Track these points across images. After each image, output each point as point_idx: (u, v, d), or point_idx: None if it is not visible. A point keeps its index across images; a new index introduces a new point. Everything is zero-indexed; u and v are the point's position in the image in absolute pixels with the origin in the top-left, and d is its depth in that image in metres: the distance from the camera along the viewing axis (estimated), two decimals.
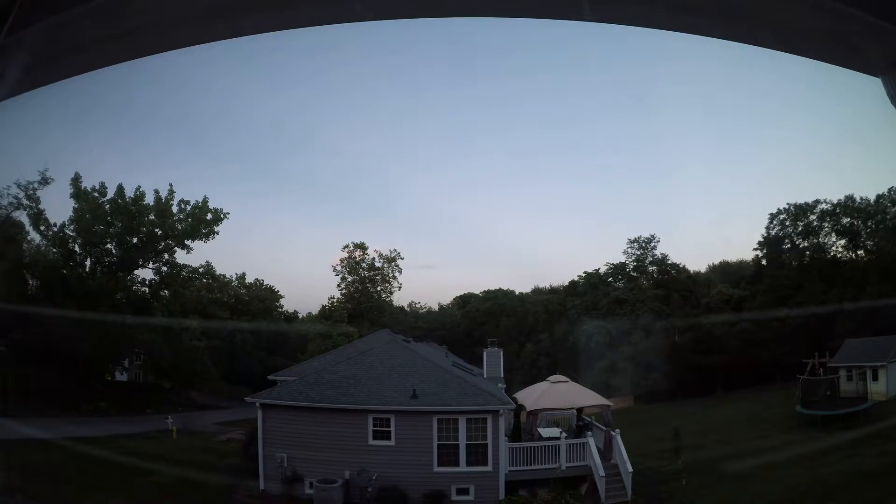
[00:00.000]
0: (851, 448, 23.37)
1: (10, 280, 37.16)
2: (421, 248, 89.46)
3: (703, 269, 67.78)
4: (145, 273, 44.38)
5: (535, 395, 25.12)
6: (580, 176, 78.14)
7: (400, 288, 63.15)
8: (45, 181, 39.03)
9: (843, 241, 56.03)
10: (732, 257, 68.57)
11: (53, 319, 34.01)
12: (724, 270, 66.70)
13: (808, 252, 56.26)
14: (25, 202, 39.18)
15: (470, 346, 54.87)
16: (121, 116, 63.78)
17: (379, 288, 62.13)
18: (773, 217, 57.27)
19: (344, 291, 60.18)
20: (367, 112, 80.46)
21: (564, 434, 22.37)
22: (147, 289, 44.65)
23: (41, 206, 39.77)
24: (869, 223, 54.12)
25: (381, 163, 79.72)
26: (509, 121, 77.72)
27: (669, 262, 62.40)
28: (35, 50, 2.36)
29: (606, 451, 21.58)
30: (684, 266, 62.93)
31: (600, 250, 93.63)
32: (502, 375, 30.57)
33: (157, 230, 42.67)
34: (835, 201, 54.95)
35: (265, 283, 62.53)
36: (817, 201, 55.52)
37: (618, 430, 21.98)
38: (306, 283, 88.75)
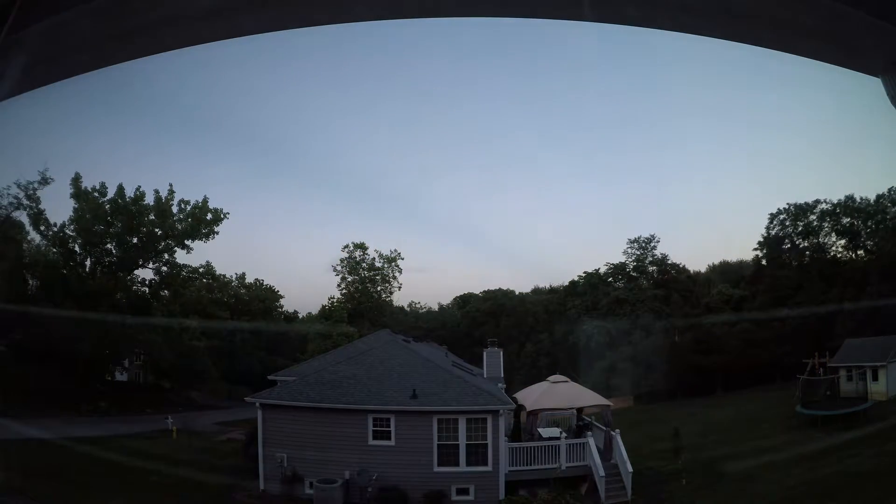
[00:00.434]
0: (851, 448, 23.36)
1: (10, 280, 37.17)
2: (421, 249, 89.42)
3: (703, 269, 67.87)
4: (145, 273, 44.47)
5: (535, 395, 25.13)
6: (580, 175, 78.17)
7: (400, 288, 63.24)
8: (45, 181, 39.07)
9: (843, 241, 56.07)
10: (732, 257, 68.67)
11: (53, 319, 34.01)
12: (724, 270, 66.74)
13: (808, 252, 56.28)
14: (25, 202, 39.22)
15: (470, 346, 54.85)
16: (121, 116, 63.71)
17: (379, 288, 62.17)
18: (773, 217, 57.35)
19: (344, 291, 60.24)
20: (367, 112, 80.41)
21: (564, 434, 22.38)
22: (147, 289, 44.68)
23: (41, 206, 39.83)
24: (869, 223, 54.13)
25: (382, 163, 79.75)
26: (509, 121, 77.74)
27: (669, 262, 62.51)
28: (35, 50, 2.36)
29: (606, 451, 21.59)
30: (684, 266, 63.05)
31: (600, 250, 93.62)
32: (502, 375, 30.59)
33: (157, 230, 42.68)
34: (835, 201, 55.05)
35: (265, 283, 62.60)
36: (817, 201, 55.61)
37: (618, 430, 21.99)
38: (306, 283, 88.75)
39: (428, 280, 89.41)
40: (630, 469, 20.12)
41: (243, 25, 2.73)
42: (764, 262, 59.02)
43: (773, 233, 57.65)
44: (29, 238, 41.37)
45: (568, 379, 27.09)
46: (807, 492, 19.26)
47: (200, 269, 47.35)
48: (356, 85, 76.80)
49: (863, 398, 31.83)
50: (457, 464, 19.98)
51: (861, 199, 53.90)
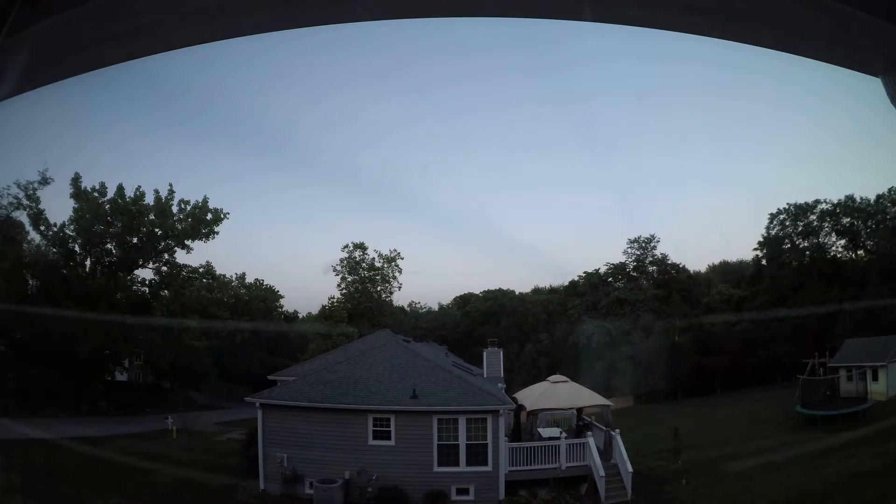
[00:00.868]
0: (851, 448, 23.37)
1: (10, 280, 37.17)
2: (421, 248, 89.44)
3: (703, 269, 67.89)
4: (145, 273, 44.55)
5: (535, 395, 25.13)
6: (580, 175, 78.24)
7: (400, 288, 63.21)
8: (45, 181, 39.11)
9: (843, 241, 56.09)
10: (732, 257, 68.76)
11: (53, 319, 34.01)
12: (724, 270, 66.79)
13: (808, 252, 56.28)
14: (25, 202, 39.25)
15: (470, 346, 54.86)
16: (121, 116, 63.84)
17: (379, 288, 62.12)
18: (773, 217, 57.36)
19: (344, 291, 60.20)
20: (367, 112, 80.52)
21: (564, 434, 22.37)
22: (147, 289, 44.72)
23: (41, 206, 39.89)
24: (869, 223, 54.14)
25: (382, 163, 79.79)
26: (509, 121, 77.79)
27: (669, 262, 62.53)
28: (35, 50, 2.36)
29: (606, 451, 21.59)
30: (684, 266, 63.06)
31: (601, 250, 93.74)
32: (502, 375, 30.57)
33: (157, 230, 42.71)
34: (835, 201, 55.09)
35: (265, 283, 62.66)
36: (817, 201, 55.64)
37: (618, 430, 21.98)
38: (306, 283, 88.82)
39: (428, 280, 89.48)
40: (630, 469, 20.11)
41: (243, 25, 2.73)
42: (764, 262, 59.03)
43: (773, 233, 57.66)
44: (29, 238, 41.45)
45: (568, 379, 27.09)
46: (807, 492, 19.26)
47: (200, 269, 47.43)
48: (357, 85, 76.89)
49: (863, 398, 31.85)
50: (457, 464, 19.97)
51: (861, 199, 54.00)
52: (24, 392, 30.79)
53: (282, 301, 63.92)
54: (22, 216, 39.85)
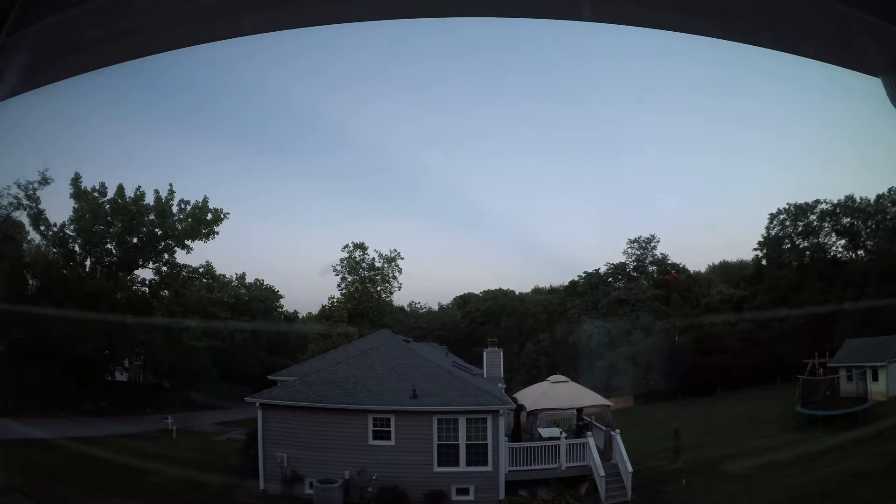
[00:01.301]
0: (851, 448, 23.38)
1: (10, 280, 37.15)
2: (420, 249, 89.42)
3: (703, 269, 67.87)
4: (145, 273, 44.48)
5: (535, 395, 25.12)
6: (580, 175, 78.22)
7: (400, 288, 63.24)
8: (45, 181, 39.06)
9: (843, 241, 56.07)
10: (732, 257, 68.65)
11: (53, 319, 34.01)
12: (724, 270, 66.71)
13: (808, 252, 56.27)
14: (25, 202, 39.20)
15: (470, 346, 54.86)
16: (121, 116, 63.81)
17: (379, 288, 62.14)
18: (773, 217, 57.34)
19: (344, 291, 60.22)
20: (367, 112, 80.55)
21: (564, 434, 22.37)
22: (147, 289, 44.67)
23: (41, 206, 39.83)
24: (869, 223, 54.13)
25: (381, 163, 79.78)
26: (509, 121, 77.80)
27: (669, 262, 62.50)
28: (35, 50, 2.36)
29: (606, 451, 21.58)
30: (684, 266, 63.05)
31: (600, 250, 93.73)
32: (502, 375, 30.56)
33: (157, 230, 42.69)
34: (835, 201, 55.06)
35: (265, 283, 62.63)
36: (817, 201, 55.61)
37: (618, 430, 21.97)
38: (306, 283, 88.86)
39: (428, 280, 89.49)
40: (630, 469, 20.11)
41: (243, 25, 2.73)
42: (764, 262, 59.01)
43: (773, 233, 57.65)
44: (29, 238, 41.42)
45: (568, 379, 27.08)
46: (807, 492, 19.27)
47: (200, 269, 47.35)
48: (357, 84, 76.91)
49: (863, 398, 31.85)
50: (457, 464, 19.97)
51: (861, 199, 53.97)
52: (24, 392, 30.76)
53: (282, 301, 63.99)
54: (22, 216, 39.87)
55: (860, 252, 55.73)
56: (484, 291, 72.96)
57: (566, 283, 69.02)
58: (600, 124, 77.40)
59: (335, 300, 58.10)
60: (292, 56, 66.52)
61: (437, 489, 19.45)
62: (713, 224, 76.09)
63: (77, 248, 41.81)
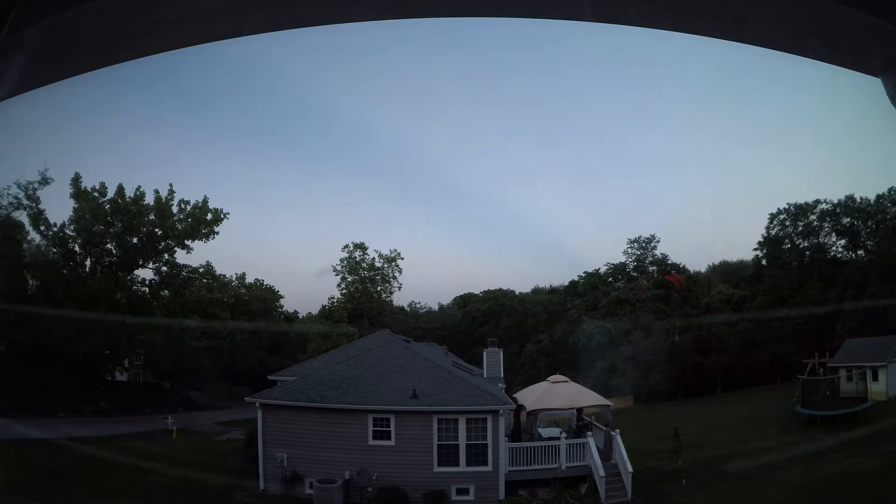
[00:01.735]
0: (851, 448, 23.37)
1: (10, 280, 37.17)
2: (420, 249, 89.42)
3: (703, 269, 67.85)
4: (145, 273, 44.51)
5: (535, 395, 25.13)
6: (580, 175, 78.13)
7: (400, 288, 63.24)
8: (45, 181, 39.10)
9: (843, 241, 56.09)
10: (732, 257, 68.63)
11: (53, 319, 34.01)
12: (724, 270, 66.71)
13: (808, 252, 56.28)
14: (25, 202, 39.23)
15: (470, 346, 54.87)
16: (121, 116, 63.71)
17: (379, 288, 62.15)
18: (773, 217, 57.34)
19: (344, 291, 60.22)
20: (367, 112, 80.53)
21: (564, 434, 22.37)
22: (147, 289, 44.70)
23: (41, 206, 39.86)
24: (869, 223, 54.14)
25: (381, 163, 79.72)
26: (509, 121, 77.80)
27: (669, 262, 62.49)
28: (35, 50, 2.36)
29: (606, 451, 21.58)
30: (684, 266, 63.03)
31: (600, 250, 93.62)
32: (502, 375, 30.57)
33: (157, 230, 42.71)
34: (835, 201, 55.05)
35: (265, 283, 62.64)
36: (817, 201, 55.61)
37: (618, 430, 21.97)
38: (306, 283, 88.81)
39: (428, 280, 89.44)
40: (630, 469, 20.11)
41: (243, 25, 2.73)
42: (764, 262, 59.01)
43: (773, 233, 57.66)
44: (29, 238, 41.42)
45: (568, 379, 27.10)
46: (807, 492, 19.27)
47: (200, 269, 47.39)
48: (357, 84, 76.84)
49: (863, 398, 31.81)
50: (457, 464, 19.97)
51: (861, 199, 53.96)
52: (24, 392, 30.77)
53: (282, 301, 64.00)
54: (22, 216, 39.88)
55: (860, 252, 55.76)
56: (484, 291, 72.95)
57: (566, 283, 69.03)
58: (600, 124, 77.35)
59: (335, 300, 58.16)
60: (294, 56, 66.45)
61: (437, 489, 19.46)
62: (713, 224, 76.07)
63: (77, 248, 41.85)
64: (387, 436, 20.20)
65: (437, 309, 77.74)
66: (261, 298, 60.19)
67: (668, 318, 54.38)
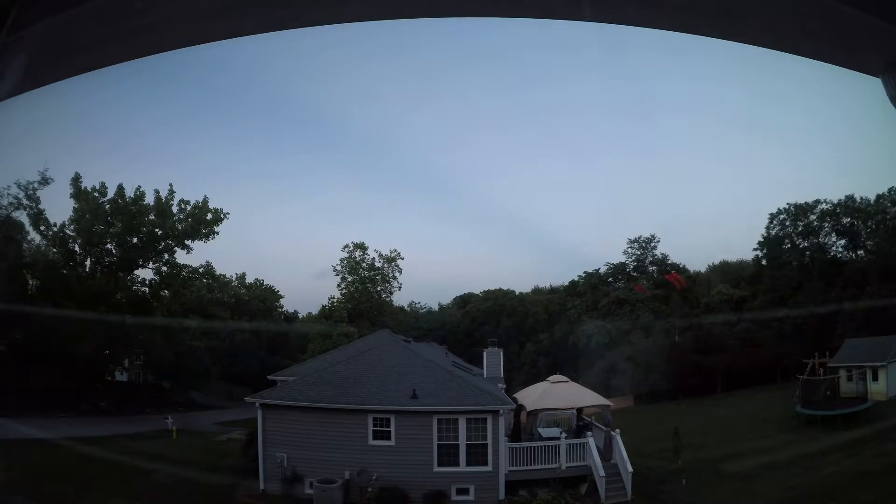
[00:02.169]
0: (851, 448, 23.36)
1: (10, 280, 37.15)
2: (419, 249, 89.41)
3: (703, 269, 67.85)
4: (145, 273, 44.50)
5: (535, 395, 25.12)
6: (581, 175, 78.20)
7: (400, 288, 63.24)
8: (45, 181, 39.07)
9: (843, 241, 56.03)
10: (732, 257, 68.61)
11: (53, 319, 34.00)
12: (724, 270, 66.69)
13: (808, 252, 56.23)
14: (25, 202, 39.22)
15: (470, 346, 54.83)
16: (121, 116, 63.80)
17: (379, 288, 62.13)
18: (773, 217, 57.29)
19: (344, 291, 60.20)
20: (367, 112, 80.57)
21: (564, 434, 22.37)
22: (147, 289, 44.68)
23: (41, 206, 39.85)
24: (869, 223, 54.09)
25: (381, 163, 79.80)
26: (509, 121, 77.80)
27: (669, 262, 62.46)
28: (35, 50, 2.36)
29: (606, 451, 21.57)
30: (684, 266, 63.02)
31: (600, 250, 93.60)
32: (502, 375, 30.57)
33: (157, 230, 42.70)
34: (835, 201, 54.97)
35: (265, 283, 62.66)
36: (817, 201, 55.55)
37: (618, 430, 21.97)
38: (306, 283, 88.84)
39: (428, 280, 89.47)
40: (630, 469, 20.10)
41: (243, 25, 2.73)
42: (764, 262, 58.97)
43: (773, 233, 57.61)
44: (29, 238, 41.40)
45: (568, 379, 27.08)
46: (807, 492, 19.27)
47: (200, 269, 47.39)
48: (356, 84, 76.89)
49: (863, 398, 31.83)
50: (457, 464, 19.96)
51: (861, 199, 53.90)
52: (24, 392, 30.75)
53: (282, 301, 64.03)
54: (22, 216, 39.87)
55: (860, 252, 55.70)
56: (484, 291, 72.95)
57: (566, 283, 69.07)
58: (600, 124, 77.39)
59: (335, 300, 58.16)
60: (294, 56, 66.50)
61: (437, 489, 19.45)
62: (713, 224, 76.11)
63: (77, 248, 41.84)
64: (387, 436, 20.20)
65: (437, 309, 77.80)
66: (261, 298, 60.22)
67: (667, 318, 54.36)
